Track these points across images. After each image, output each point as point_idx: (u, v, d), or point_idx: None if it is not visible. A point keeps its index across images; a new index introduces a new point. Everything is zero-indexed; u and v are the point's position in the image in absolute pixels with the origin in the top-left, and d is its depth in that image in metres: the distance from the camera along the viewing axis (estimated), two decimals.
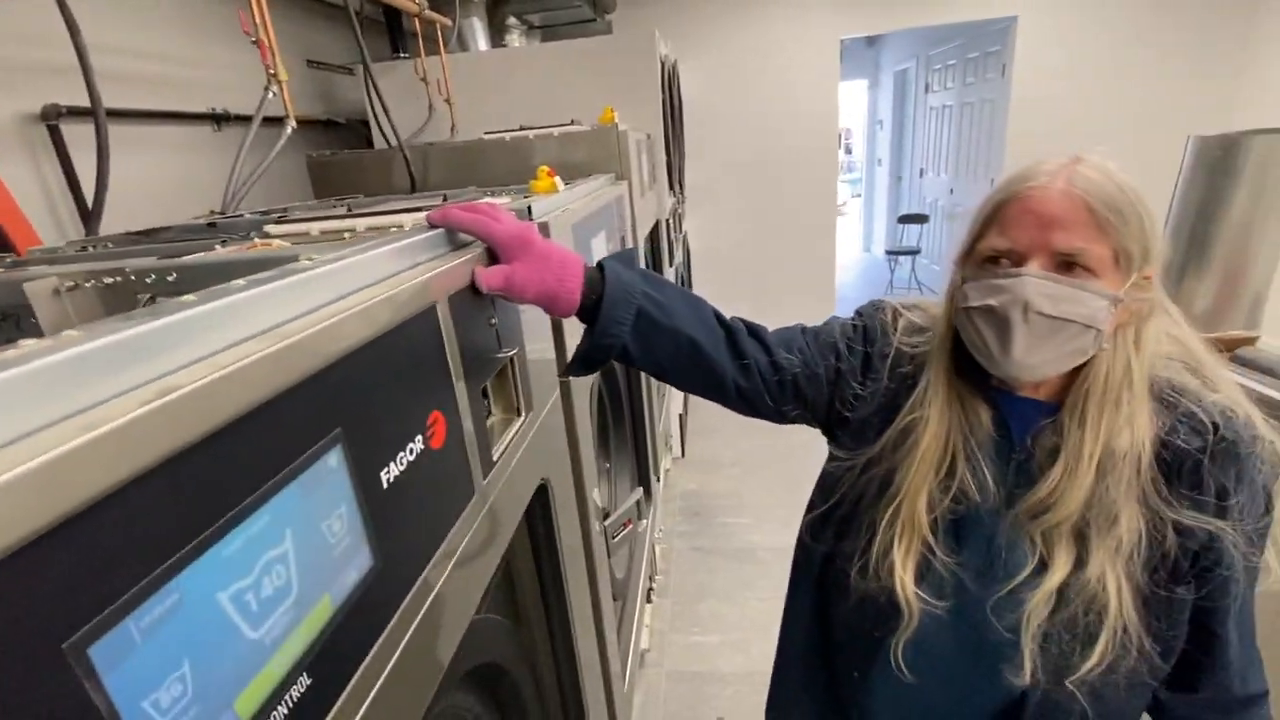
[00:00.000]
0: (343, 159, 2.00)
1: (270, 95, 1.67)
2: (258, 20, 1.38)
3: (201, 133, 1.94)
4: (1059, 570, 0.61)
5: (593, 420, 1.63)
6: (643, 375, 1.93)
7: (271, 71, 1.60)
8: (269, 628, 0.33)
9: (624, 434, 1.75)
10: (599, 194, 1.35)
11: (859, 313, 0.80)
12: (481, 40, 3.02)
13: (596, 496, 1.12)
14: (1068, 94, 3.85)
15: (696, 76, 4.13)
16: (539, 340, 0.81)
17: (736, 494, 2.93)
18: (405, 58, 2.70)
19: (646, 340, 0.68)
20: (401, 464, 0.45)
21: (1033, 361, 0.60)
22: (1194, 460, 0.60)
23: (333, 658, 0.38)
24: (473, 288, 0.60)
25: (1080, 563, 0.61)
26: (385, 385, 0.44)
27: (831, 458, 0.77)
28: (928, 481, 0.67)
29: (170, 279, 0.51)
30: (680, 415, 3.25)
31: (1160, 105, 3.75)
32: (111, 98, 1.75)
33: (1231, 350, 1.46)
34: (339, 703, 0.38)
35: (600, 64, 2.62)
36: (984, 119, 4.46)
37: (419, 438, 0.47)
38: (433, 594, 0.49)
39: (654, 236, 2.65)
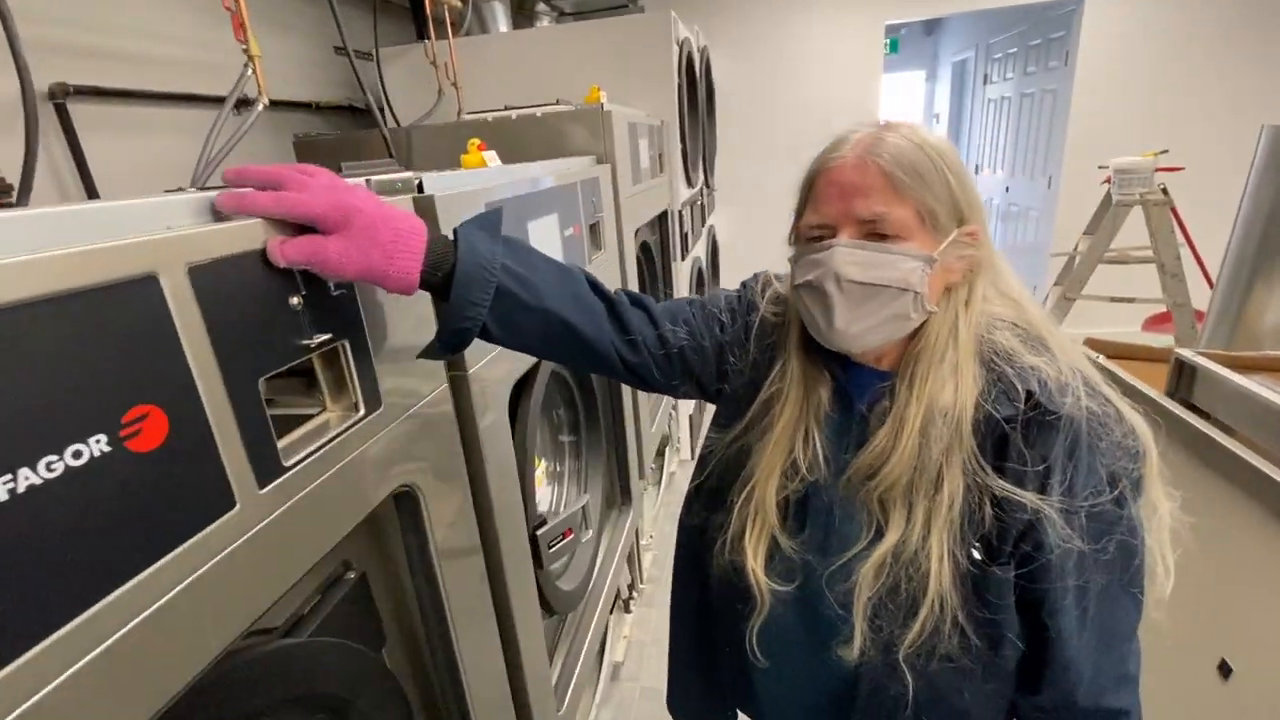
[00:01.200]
0: (329, 139, 1.97)
1: (248, 73, 1.63)
2: None
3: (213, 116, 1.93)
4: (890, 537, 0.60)
5: (552, 419, 1.53)
6: None
7: (244, 47, 1.56)
8: None
9: (599, 435, 1.64)
10: (561, 174, 1.25)
11: (744, 284, 0.79)
12: (502, 23, 2.96)
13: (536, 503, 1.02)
14: (1133, 82, 3.51)
15: (730, 65, 3.96)
16: (405, 322, 0.71)
17: None
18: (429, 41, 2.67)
19: (510, 321, 0.63)
20: (53, 470, 0.36)
21: (855, 330, 0.61)
22: (1003, 430, 0.58)
23: None
24: (264, 259, 0.51)
25: (907, 528, 0.60)
26: (27, 366, 0.35)
27: (708, 433, 0.77)
28: (779, 464, 0.68)
29: None
30: (690, 416, 3.12)
31: (1234, 95, 3.35)
32: (123, 78, 1.77)
33: None
34: None
35: (616, 48, 2.52)
36: (1044, 111, 4.13)
37: (100, 438, 0.38)
38: (141, 617, 0.40)
39: (661, 226, 2.53)
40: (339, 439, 0.60)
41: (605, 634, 1.91)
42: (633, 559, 2.12)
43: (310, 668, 0.62)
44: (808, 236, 0.64)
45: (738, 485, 0.71)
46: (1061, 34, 3.84)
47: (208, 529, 0.46)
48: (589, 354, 0.69)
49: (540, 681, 1.10)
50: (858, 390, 0.67)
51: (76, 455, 0.37)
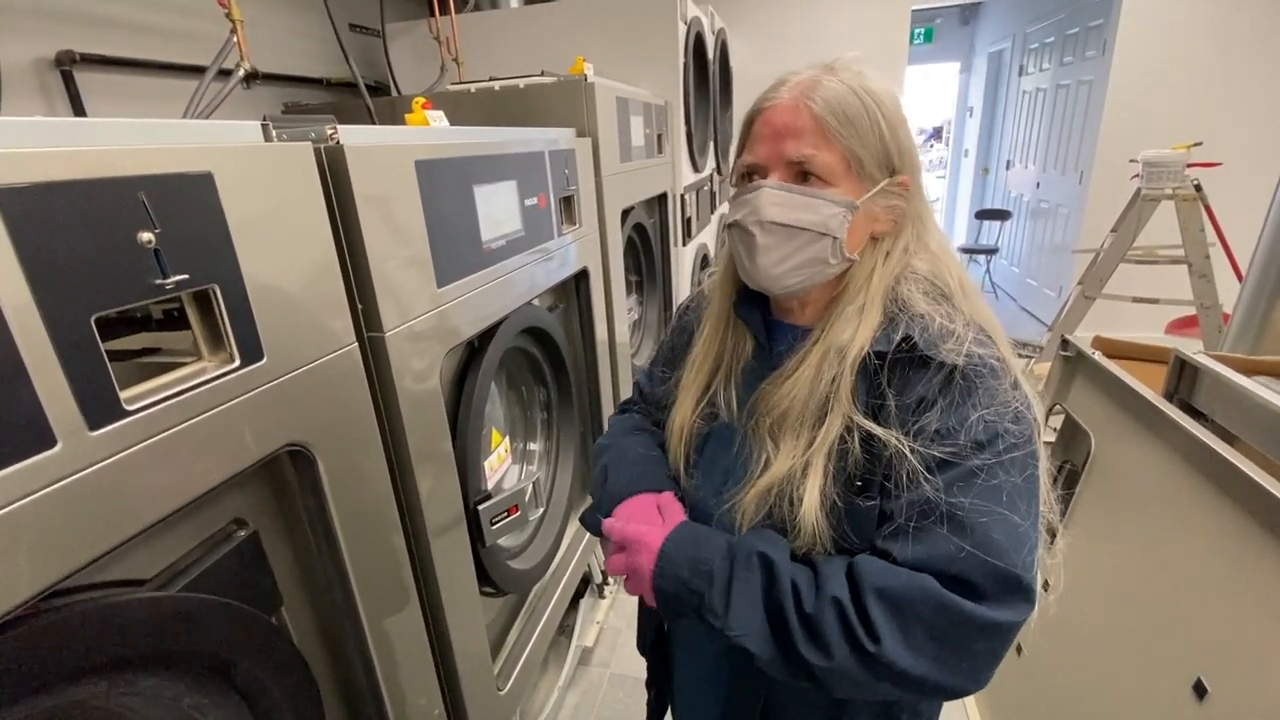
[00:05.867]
0: (315, 107, 1.96)
1: (233, 40, 1.63)
2: None
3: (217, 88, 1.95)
4: (777, 467, 0.61)
5: (520, 395, 1.51)
6: (601, 356, 1.78)
7: (226, 11, 1.56)
8: None
9: (572, 414, 1.61)
10: (524, 142, 1.21)
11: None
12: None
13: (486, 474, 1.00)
14: (1172, 73, 3.32)
15: (750, 50, 3.87)
16: (293, 274, 0.68)
17: None
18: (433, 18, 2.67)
19: None
20: None
21: (777, 271, 0.63)
22: (876, 366, 0.60)
23: None
24: None
25: (793, 459, 0.61)
26: None
27: None
28: (694, 400, 0.72)
29: None
30: None
31: (1277, 89, 3.14)
32: (130, 48, 1.79)
33: None
34: None
35: (622, 23, 2.48)
36: (1079, 103, 3.95)
37: None
38: None
39: (661, 209, 2.48)
40: (206, 387, 0.57)
41: (577, 617, 1.89)
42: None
43: (175, 621, 0.60)
44: (740, 175, 0.66)
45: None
46: (1100, 22, 3.66)
47: (17, 465, 0.44)
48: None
49: (475, 659, 1.08)
50: (779, 341, 0.69)
51: None
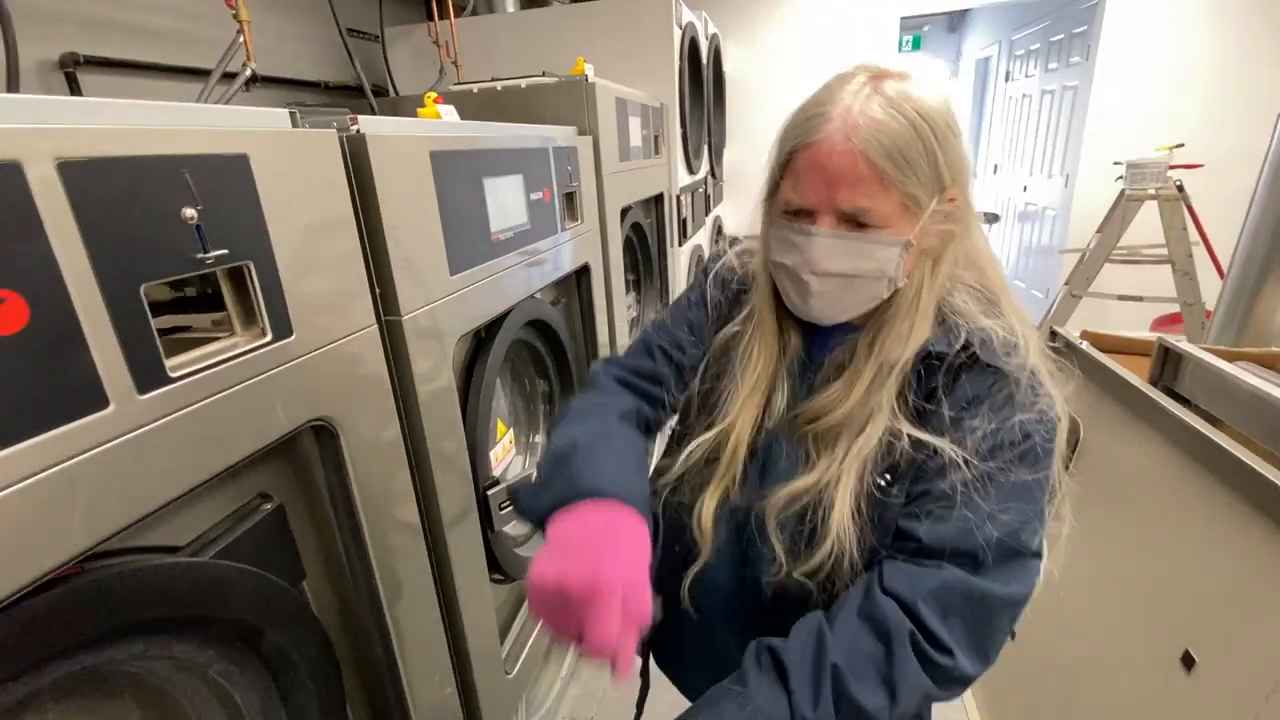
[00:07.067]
0: (318, 108, 1.99)
1: (239, 40, 1.66)
2: None
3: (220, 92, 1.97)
4: (815, 473, 0.62)
5: (524, 386, 1.53)
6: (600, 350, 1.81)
7: (233, 12, 1.58)
8: None
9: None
10: (529, 138, 1.24)
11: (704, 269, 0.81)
12: (510, 4, 2.98)
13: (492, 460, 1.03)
14: (1154, 78, 3.39)
15: (742, 55, 3.93)
16: (323, 255, 0.71)
17: None
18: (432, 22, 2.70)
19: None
20: None
21: (832, 312, 0.64)
22: (931, 367, 0.61)
23: None
24: None
25: (832, 465, 0.62)
26: None
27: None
28: (753, 415, 0.69)
29: None
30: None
31: (1257, 93, 3.22)
32: (134, 51, 1.81)
33: None
34: None
35: (618, 28, 2.52)
36: (1064, 107, 4.03)
37: None
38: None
39: (657, 209, 2.51)
40: (241, 359, 0.60)
41: None
42: None
43: (209, 588, 0.62)
44: (786, 210, 0.63)
45: (699, 428, 0.72)
46: (1084, 29, 3.75)
47: (74, 423, 0.46)
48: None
49: (485, 641, 1.10)
50: (821, 343, 0.69)
51: None
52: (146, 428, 0.52)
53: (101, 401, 0.48)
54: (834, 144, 0.57)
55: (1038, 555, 0.58)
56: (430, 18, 2.63)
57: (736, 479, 0.69)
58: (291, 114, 0.71)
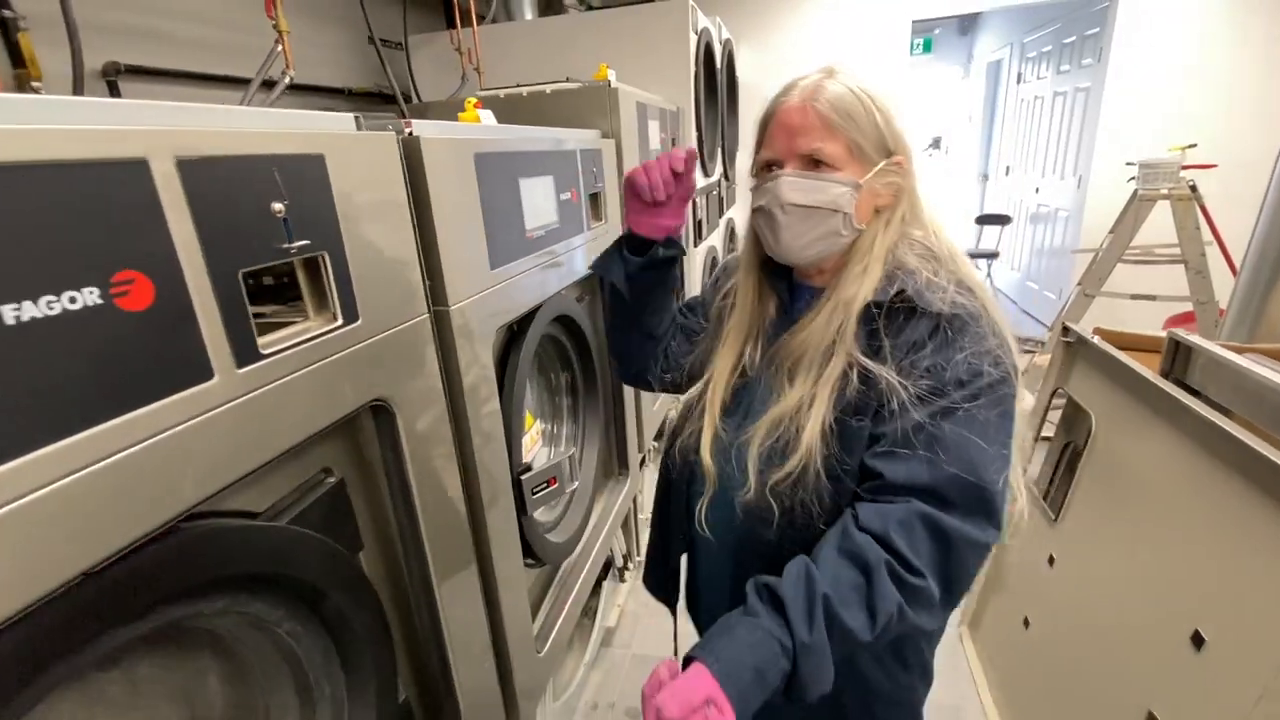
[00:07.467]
0: None
1: (278, 49, 1.73)
2: None
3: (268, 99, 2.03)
4: (789, 399, 0.72)
5: (549, 380, 1.59)
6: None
7: (273, 22, 1.65)
8: None
9: (596, 401, 1.69)
10: (559, 141, 1.30)
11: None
12: (528, 12, 3.05)
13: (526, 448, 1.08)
14: (1166, 79, 3.42)
15: (755, 59, 3.99)
16: (383, 248, 0.76)
17: None
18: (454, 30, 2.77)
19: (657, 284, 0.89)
20: (51, 308, 0.42)
21: (798, 244, 0.74)
22: (874, 314, 0.70)
23: None
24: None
25: (803, 392, 0.71)
26: (33, 217, 0.41)
27: None
28: (731, 364, 0.81)
29: None
30: None
31: (1270, 92, 3.23)
32: (173, 60, 1.89)
33: None
34: None
35: (635, 34, 2.58)
36: (1076, 109, 4.05)
37: (92, 290, 0.45)
38: (117, 456, 0.47)
39: None
40: (316, 340, 0.66)
41: (599, 600, 1.96)
42: (629, 529, 2.17)
43: (285, 550, 0.68)
44: (760, 168, 0.77)
45: (699, 386, 0.84)
46: (1096, 30, 3.77)
47: (185, 392, 0.52)
48: (661, 328, 0.93)
49: (519, 619, 1.16)
50: (799, 301, 0.81)
51: (72, 300, 0.44)
52: (242, 399, 0.58)
53: (207, 373, 0.54)
54: (792, 106, 0.72)
55: (1002, 496, 0.65)
56: (451, 25, 2.70)
57: (718, 417, 0.80)
58: (355, 118, 0.77)
